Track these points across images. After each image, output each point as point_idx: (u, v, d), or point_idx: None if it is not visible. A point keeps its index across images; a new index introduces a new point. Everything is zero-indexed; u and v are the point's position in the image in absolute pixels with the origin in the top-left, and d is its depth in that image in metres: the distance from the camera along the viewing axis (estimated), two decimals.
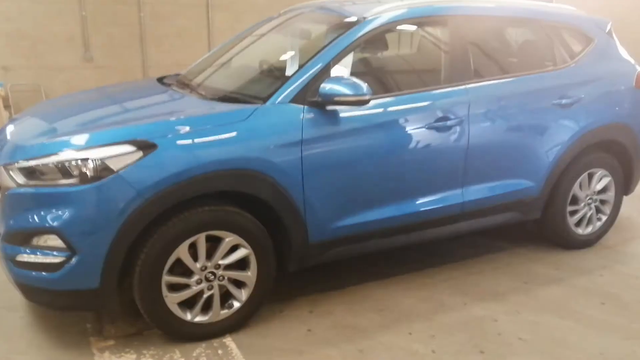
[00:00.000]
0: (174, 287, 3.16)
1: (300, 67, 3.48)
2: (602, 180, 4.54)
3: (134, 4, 7.84)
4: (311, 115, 3.34)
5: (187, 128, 3.10)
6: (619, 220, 4.95)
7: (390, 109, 3.61)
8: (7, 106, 7.51)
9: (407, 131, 3.64)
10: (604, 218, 4.66)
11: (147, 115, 3.49)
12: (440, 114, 3.72)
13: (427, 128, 3.68)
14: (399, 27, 3.92)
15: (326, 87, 3.30)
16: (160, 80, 4.24)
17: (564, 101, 4.17)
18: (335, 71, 3.48)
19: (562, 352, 3.28)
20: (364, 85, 3.29)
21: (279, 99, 3.34)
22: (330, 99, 3.30)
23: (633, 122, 4.52)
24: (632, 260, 4.49)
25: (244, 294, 3.35)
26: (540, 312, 3.68)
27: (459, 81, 3.84)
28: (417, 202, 3.78)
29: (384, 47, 4.00)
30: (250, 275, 3.33)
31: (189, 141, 3.07)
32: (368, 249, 3.80)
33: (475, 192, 3.97)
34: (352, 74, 3.58)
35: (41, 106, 4.37)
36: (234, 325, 3.38)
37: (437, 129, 3.71)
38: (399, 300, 3.80)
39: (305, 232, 3.43)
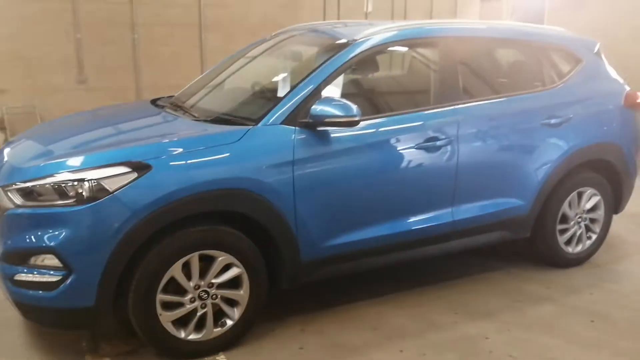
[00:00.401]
0: (168, 306, 3.21)
1: (292, 89, 3.56)
2: (591, 199, 4.59)
3: (127, 26, 7.91)
4: (302, 136, 3.41)
5: (181, 149, 3.18)
6: (610, 238, 5.00)
7: (381, 129, 3.68)
8: (2, 128, 7.56)
9: (396, 151, 3.71)
10: (594, 237, 4.69)
11: (142, 137, 3.57)
12: (429, 134, 3.79)
13: (417, 148, 3.75)
14: (389, 49, 4.02)
15: (317, 108, 3.37)
16: (154, 102, 4.30)
17: (552, 121, 4.24)
18: (326, 93, 3.55)
19: None
20: (354, 107, 3.36)
21: (271, 120, 3.41)
22: (321, 120, 3.38)
23: (622, 141, 4.59)
24: (622, 278, 4.53)
25: (236, 313, 3.39)
26: (530, 330, 3.72)
27: (448, 102, 3.91)
28: (407, 221, 3.83)
29: (375, 68, 4.08)
30: (242, 294, 3.37)
31: (183, 162, 3.14)
32: (360, 267, 3.85)
33: (465, 211, 4.03)
34: (343, 95, 3.65)
35: (37, 129, 4.43)
36: (227, 343, 3.42)
37: (427, 149, 3.78)
38: (390, 318, 3.83)
39: (297, 250, 3.48)
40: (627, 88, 4.70)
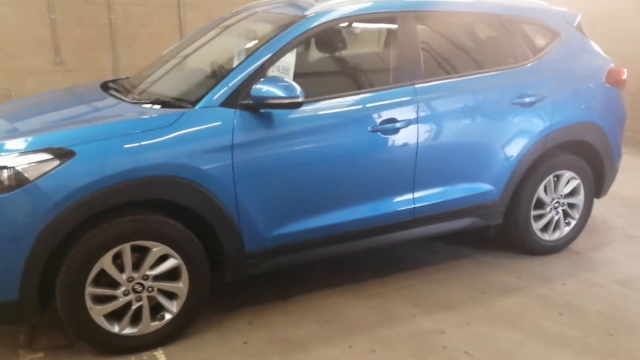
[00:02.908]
0: (100, 299, 3.06)
1: (233, 69, 3.35)
2: (569, 183, 4.32)
3: (103, 5, 7.73)
4: (243, 118, 3.21)
5: (109, 135, 3.00)
6: (594, 224, 4.74)
7: (330, 111, 3.46)
8: None
9: (347, 134, 3.48)
10: (573, 222, 4.42)
11: (71, 122, 3.39)
12: (385, 116, 3.55)
13: (371, 130, 3.51)
14: (341, 25, 3.78)
15: (258, 89, 3.17)
16: (105, 85, 4.10)
17: (526, 99, 3.97)
18: (271, 72, 3.34)
19: None
20: (297, 87, 3.15)
21: (209, 102, 3.22)
22: (262, 101, 3.17)
23: (603, 121, 4.29)
24: (601, 267, 4.25)
25: (175, 306, 3.24)
26: (492, 324, 3.50)
27: (407, 81, 3.67)
28: (361, 208, 3.62)
29: (327, 45, 3.86)
30: (181, 286, 3.21)
31: (110, 148, 2.96)
32: (313, 257, 3.66)
33: (428, 197, 3.80)
34: (295, 75, 3.42)
35: None
36: (166, 337, 3.27)
37: (382, 132, 3.54)
38: (345, 311, 3.64)
39: (241, 240, 3.31)
40: (612, 64, 4.39)
